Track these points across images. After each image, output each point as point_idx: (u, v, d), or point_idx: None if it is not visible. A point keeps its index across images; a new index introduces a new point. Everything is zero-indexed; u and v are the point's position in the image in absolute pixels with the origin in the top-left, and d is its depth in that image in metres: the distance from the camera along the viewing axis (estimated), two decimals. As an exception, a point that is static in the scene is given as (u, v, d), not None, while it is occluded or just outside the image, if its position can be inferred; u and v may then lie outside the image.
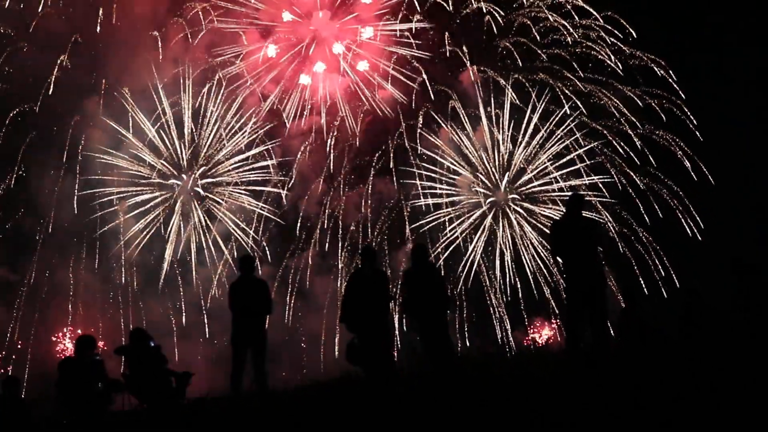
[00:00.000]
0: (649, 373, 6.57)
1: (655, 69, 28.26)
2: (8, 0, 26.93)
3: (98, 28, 27.52)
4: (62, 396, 8.81)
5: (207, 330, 27.72)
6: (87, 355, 8.95)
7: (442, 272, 25.22)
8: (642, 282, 27.30)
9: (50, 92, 26.98)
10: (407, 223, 28.48)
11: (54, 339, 27.90)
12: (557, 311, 28.34)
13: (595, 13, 27.99)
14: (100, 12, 27.41)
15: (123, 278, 27.78)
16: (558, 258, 9.06)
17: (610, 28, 28.08)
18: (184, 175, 28.47)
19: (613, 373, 6.83)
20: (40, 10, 27.11)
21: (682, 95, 28.01)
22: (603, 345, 8.17)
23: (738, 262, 10.38)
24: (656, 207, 27.51)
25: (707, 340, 9.29)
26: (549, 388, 6.55)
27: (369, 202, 28.80)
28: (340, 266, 28.53)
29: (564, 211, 9.12)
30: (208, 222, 28.22)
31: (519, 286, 27.80)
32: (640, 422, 4.53)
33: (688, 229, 27.51)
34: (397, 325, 23.94)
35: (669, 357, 7.95)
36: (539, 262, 27.75)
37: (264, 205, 28.36)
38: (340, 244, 28.87)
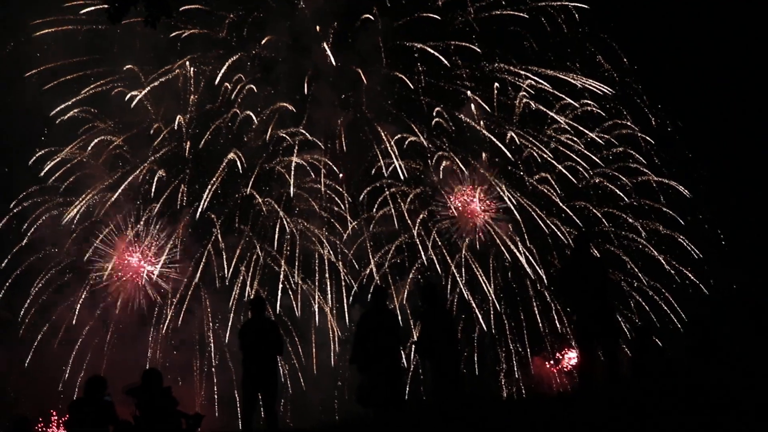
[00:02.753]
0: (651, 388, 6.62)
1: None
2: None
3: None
4: (72, 438, 8.73)
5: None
6: (97, 397, 8.87)
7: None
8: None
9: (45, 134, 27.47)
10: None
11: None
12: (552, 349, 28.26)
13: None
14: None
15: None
16: (567, 298, 9.17)
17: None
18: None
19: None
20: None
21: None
22: (616, 380, 8.22)
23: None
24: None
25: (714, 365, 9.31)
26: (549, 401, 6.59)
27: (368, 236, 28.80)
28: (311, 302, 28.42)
29: (573, 251, 9.25)
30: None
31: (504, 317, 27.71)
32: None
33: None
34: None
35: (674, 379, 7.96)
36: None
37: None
38: (327, 281, 28.81)
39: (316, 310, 27.99)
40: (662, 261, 27.39)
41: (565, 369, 28.87)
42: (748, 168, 29.10)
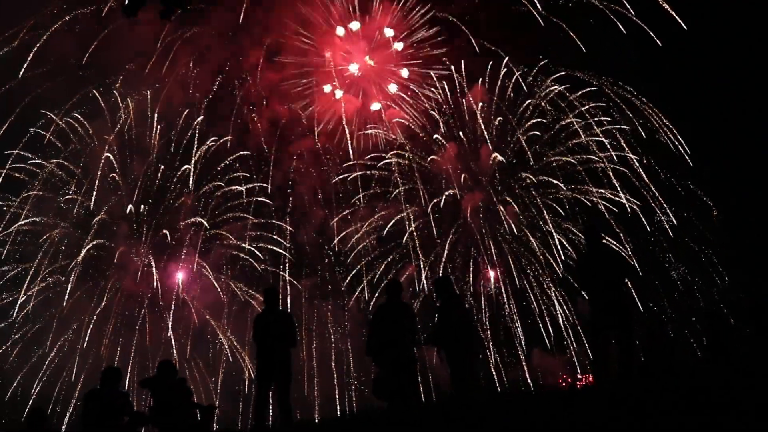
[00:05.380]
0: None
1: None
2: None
3: None
4: (87, 430, 8.82)
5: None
6: (112, 388, 8.96)
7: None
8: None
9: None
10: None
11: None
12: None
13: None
14: None
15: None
16: (585, 291, 9.19)
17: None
18: None
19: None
20: None
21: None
22: (629, 374, 8.31)
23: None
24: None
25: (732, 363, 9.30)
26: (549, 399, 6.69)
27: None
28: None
29: (586, 244, 9.31)
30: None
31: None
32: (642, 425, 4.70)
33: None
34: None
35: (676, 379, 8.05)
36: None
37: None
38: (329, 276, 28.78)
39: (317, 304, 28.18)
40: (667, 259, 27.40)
41: (570, 363, 28.91)
42: (747, 168, 29.09)
